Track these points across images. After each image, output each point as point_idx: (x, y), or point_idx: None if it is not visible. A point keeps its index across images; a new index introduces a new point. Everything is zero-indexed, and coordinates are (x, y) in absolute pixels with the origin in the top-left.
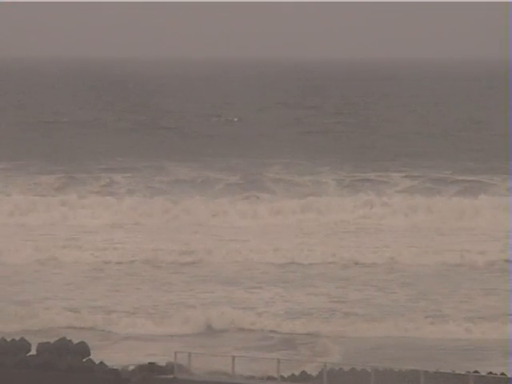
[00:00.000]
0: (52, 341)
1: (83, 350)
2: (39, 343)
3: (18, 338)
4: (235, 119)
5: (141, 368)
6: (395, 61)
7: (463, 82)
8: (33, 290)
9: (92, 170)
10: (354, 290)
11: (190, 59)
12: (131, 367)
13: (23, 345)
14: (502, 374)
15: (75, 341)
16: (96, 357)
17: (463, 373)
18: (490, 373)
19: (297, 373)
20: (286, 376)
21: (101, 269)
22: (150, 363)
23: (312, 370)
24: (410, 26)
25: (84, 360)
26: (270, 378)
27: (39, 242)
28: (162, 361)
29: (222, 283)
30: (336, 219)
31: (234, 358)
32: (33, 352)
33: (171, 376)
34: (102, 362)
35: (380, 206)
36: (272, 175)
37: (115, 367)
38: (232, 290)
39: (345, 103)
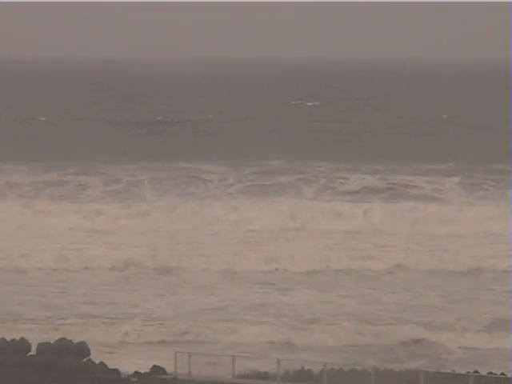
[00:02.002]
0: (52, 341)
1: (83, 350)
2: (39, 343)
3: (17, 338)
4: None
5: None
6: (395, 61)
7: (463, 81)
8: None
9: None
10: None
11: (191, 59)
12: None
13: (23, 345)
14: (502, 374)
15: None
16: None
17: (463, 373)
18: (490, 373)
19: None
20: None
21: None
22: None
23: (312, 369)
24: (410, 26)
25: (84, 360)
26: (270, 378)
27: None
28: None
29: None
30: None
31: (234, 357)
32: (33, 352)
33: (171, 376)
34: (101, 362)
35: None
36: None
37: (115, 367)
38: None
39: (344, 102)
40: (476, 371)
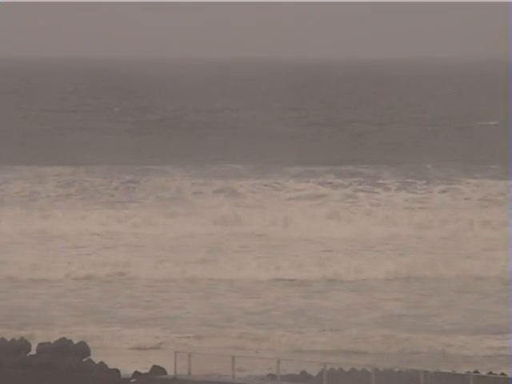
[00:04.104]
0: (52, 341)
1: (83, 350)
2: (39, 343)
3: (17, 338)
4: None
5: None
6: (395, 61)
7: (462, 81)
8: None
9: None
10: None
11: (190, 59)
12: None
13: (23, 345)
14: (502, 373)
15: None
16: None
17: (463, 373)
18: (490, 373)
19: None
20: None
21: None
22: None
23: (312, 369)
24: (409, 26)
25: (84, 360)
26: (270, 378)
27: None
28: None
29: None
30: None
31: (233, 357)
32: (33, 352)
33: (171, 376)
34: (101, 362)
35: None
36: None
37: (115, 367)
38: None
39: (345, 102)
40: (476, 371)
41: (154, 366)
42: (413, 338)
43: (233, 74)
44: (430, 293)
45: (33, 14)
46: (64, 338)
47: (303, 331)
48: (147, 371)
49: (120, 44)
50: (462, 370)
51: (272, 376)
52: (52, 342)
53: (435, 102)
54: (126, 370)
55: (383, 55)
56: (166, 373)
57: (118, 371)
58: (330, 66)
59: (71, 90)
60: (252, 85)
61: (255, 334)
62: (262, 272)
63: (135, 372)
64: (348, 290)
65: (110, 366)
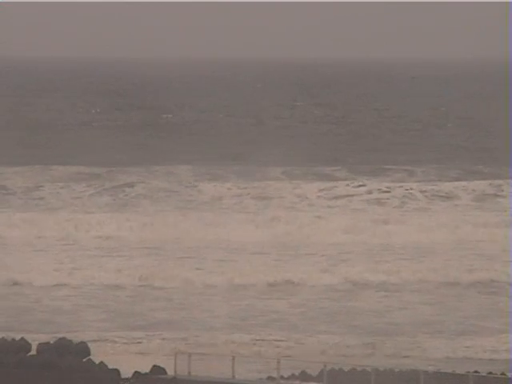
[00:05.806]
0: (52, 341)
1: (83, 349)
2: (39, 343)
3: (18, 338)
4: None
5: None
6: (395, 61)
7: (462, 82)
8: None
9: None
10: None
11: (190, 59)
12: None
13: (23, 345)
14: (502, 373)
15: None
16: None
17: (463, 373)
18: (490, 373)
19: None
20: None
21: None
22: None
23: (312, 369)
24: (409, 26)
25: (84, 360)
26: (270, 378)
27: None
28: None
29: None
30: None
31: (233, 357)
32: (33, 352)
33: (171, 376)
34: (101, 362)
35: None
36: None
37: (115, 367)
38: None
39: (340, 103)
40: (476, 371)
41: (154, 365)
42: None
43: (233, 74)
44: None
45: (33, 14)
46: (64, 338)
47: None
48: (147, 371)
49: (120, 44)
50: (462, 370)
51: (272, 376)
52: (52, 342)
53: (435, 102)
54: (126, 370)
55: (383, 55)
56: (166, 373)
57: (118, 371)
58: (330, 66)
59: (71, 90)
60: (253, 85)
61: None
62: None
63: (135, 372)
64: None
65: (110, 366)
